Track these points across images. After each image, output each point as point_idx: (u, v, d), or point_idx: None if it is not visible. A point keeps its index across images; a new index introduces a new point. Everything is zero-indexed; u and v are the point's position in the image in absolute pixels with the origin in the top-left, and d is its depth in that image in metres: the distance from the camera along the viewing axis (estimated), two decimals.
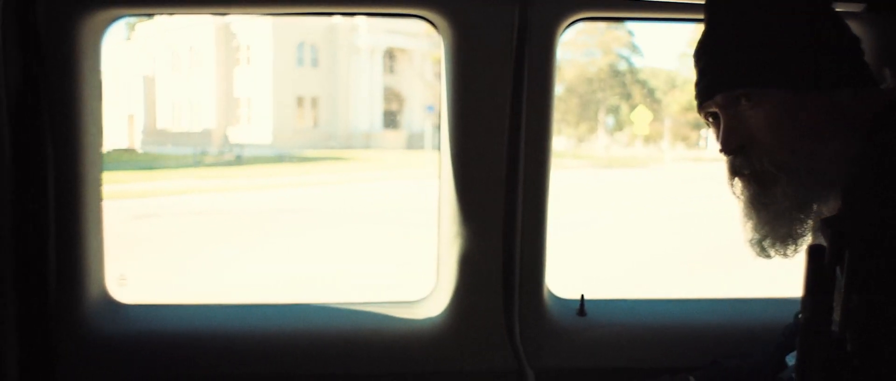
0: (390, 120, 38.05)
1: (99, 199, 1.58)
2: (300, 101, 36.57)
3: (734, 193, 1.15)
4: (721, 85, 1.09)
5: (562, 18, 1.51)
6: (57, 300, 1.49)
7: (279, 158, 27.69)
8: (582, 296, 1.66)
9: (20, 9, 1.33)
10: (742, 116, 1.09)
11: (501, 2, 1.50)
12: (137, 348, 1.55)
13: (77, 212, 1.51)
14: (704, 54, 1.13)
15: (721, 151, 1.13)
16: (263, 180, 19.17)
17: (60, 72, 1.43)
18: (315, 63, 36.95)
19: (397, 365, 1.56)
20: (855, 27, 1.47)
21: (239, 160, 26.56)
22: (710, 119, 1.16)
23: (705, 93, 1.13)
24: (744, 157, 1.11)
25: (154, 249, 9.37)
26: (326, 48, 36.89)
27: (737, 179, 1.13)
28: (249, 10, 1.55)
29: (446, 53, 1.54)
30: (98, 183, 1.57)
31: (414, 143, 34.22)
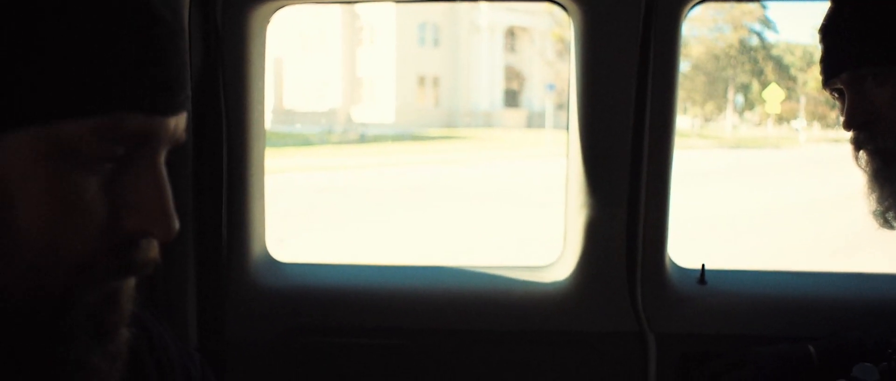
0: (510, 99, 38.05)
1: (262, 171, 1.78)
2: (422, 80, 37.14)
3: (859, 165, 1.19)
4: (847, 63, 1.13)
5: (686, 2, 1.58)
6: (227, 259, 1.71)
7: (401, 137, 28.30)
8: (703, 265, 1.73)
9: (203, 3, 1.54)
10: (867, 93, 1.13)
11: None
12: (294, 300, 1.75)
13: (245, 183, 1.72)
14: (830, 31, 1.17)
15: (844, 126, 1.18)
16: (386, 158, 19.72)
17: (234, 58, 1.63)
18: (436, 43, 37.39)
19: (525, 323, 1.69)
20: None
21: (362, 139, 27.37)
22: (836, 95, 1.21)
23: (830, 71, 1.17)
24: (868, 132, 1.15)
25: (296, 219, 9.93)
26: (448, 28, 37.21)
27: (861, 152, 1.17)
28: None
29: (576, 35, 1.64)
30: (262, 157, 1.77)
31: (534, 122, 34.06)
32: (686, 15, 1.61)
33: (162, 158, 0.62)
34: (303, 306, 1.75)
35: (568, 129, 1.72)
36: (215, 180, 1.64)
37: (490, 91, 36.77)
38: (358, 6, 35.35)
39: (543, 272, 1.78)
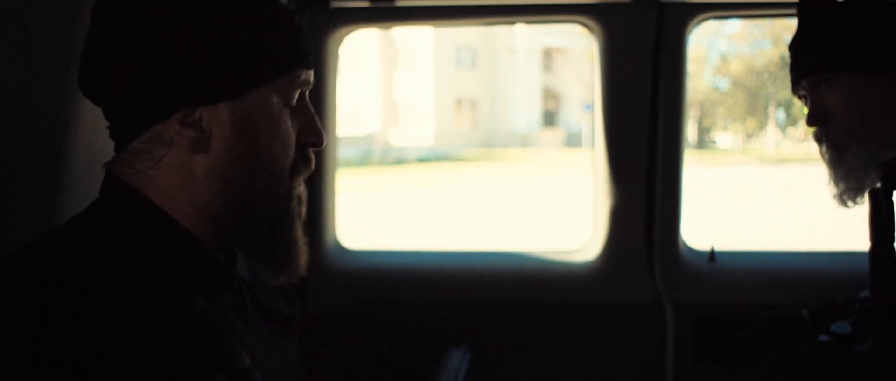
0: (548, 119, 38.26)
1: (335, 171, 2.11)
2: (459, 103, 37.52)
3: (821, 156, 1.47)
4: (804, 72, 1.42)
5: (691, 19, 1.87)
6: (307, 244, 2.04)
7: (439, 159, 28.65)
8: (712, 246, 2.01)
9: None
10: (822, 95, 1.41)
11: (642, 6, 1.89)
12: (361, 279, 2.06)
13: (322, 182, 2.04)
14: (794, 46, 1.46)
15: (807, 123, 1.46)
16: (424, 179, 20.07)
17: (314, 75, 1.96)
18: (473, 65, 37.78)
19: (560, 296, 1.98)
20: None
21: (401, 161, 27.79)
22: (804, 98, 1.50)
23: (794, 79, 1.46)
24: (823, 128, 1.43)
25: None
26: (485, 50, 37.59)
27: (821, 145, 1.46)
28: (458, 22, 2.02)
29: (598, 53, 1.95)
30: (335, 161, 2.10)
31: (573, 141, 34.20)
32: (691, 31, 1.91)
33: (308, 99, 0.98)
34: (369, 284, 2.06)
35: (593, 130, 2.02)
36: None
37: (528, 112, 37.04)
38: (394, 31, 35.92)
39: (574, 254, 2.07)
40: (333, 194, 2.11)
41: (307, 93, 0.97)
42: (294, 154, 0.95)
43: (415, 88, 37.01)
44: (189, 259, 0.90)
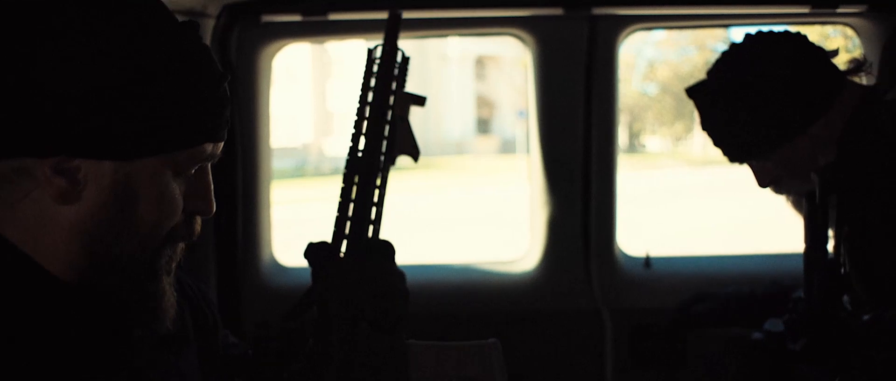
0: (482, 126, 38.52)
1: (269, 187, 2.07)
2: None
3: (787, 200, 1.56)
4: (735, 159, 1.47)
5: (621, 30, 1.91)
6: (242, 262, 1.99)
7: None
8: (647, 253, 2.04)
9: (222, 40, 1.84)
10: (758, 168, 1.47)
11: (574, 18, 1.91)
12: (296, 296, 2.03)
13: (255, 199, 2.01)
14: (710, 133, 1.49)
15: (759, 186, 1.51)
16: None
17: (246, 90, 1.93)
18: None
19: (501, 305, 1.98)
20: (858, 26, 1.80)
21: (336, 171, 27.56)
22: None
23: (731, 161, 1.50)
24: (777, 186, 1.50)
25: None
26: (417, 59, 37.64)
27: (783, 195, 1.53)
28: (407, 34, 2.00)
29: (532, 64, 1.96)
30: (269, 176, 2.06)
31: (507, 148, 34.52)
32: (622, 43, 1.94)
33: (209, 167, 0.93)
34: None
35: (528, 139, 2.04)
36: (231, 197, 1.93)
37: (461, 119, 37.20)
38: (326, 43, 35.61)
39: (514, 264, 2.08)
40: (268, 209, 2.07)
41: (209, 164, 0.92)
42: (178, 219, 0.90)
43: (348, 97, 36.74)
44: (49, 301, 0.84)
